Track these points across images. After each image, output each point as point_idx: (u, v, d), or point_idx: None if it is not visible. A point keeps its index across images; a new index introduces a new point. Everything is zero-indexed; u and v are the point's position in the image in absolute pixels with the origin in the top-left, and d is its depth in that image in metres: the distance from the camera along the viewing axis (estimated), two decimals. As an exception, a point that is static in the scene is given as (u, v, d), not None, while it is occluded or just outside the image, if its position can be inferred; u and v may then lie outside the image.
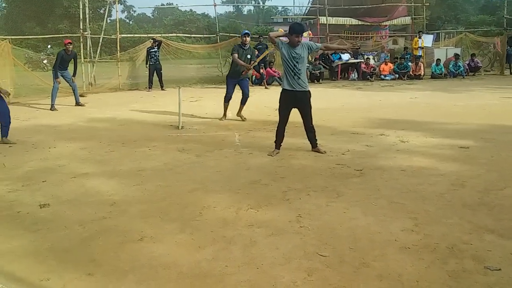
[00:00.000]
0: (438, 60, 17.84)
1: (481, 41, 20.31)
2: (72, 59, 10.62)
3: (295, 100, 5.64)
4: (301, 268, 2.80)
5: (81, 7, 15.05)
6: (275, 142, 5.82)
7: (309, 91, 5.68)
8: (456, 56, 17.87)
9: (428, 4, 22.26)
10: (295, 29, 5.42)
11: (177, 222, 3.60)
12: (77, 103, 10.92)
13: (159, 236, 3.32)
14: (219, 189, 4.44)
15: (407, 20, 21.76)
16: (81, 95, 11.92)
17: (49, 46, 26.47)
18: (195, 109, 9.95)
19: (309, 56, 17.31)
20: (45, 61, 22.35)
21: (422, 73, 17.35)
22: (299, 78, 5.53)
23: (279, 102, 5.76)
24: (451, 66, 17.63)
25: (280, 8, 67.89)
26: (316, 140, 5.86)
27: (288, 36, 5.51)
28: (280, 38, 5.70)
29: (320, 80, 16.77)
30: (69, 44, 10.40)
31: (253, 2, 75.99)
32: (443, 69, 17.67)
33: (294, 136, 6.23)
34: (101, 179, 4.82)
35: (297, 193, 4.25)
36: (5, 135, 6.63)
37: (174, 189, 4.46)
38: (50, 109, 10.13)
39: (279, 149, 5.81)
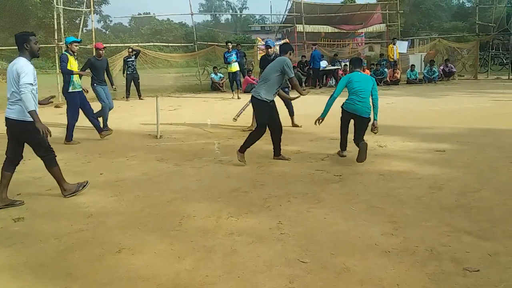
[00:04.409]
0: (413, 66, 18.20)
1: (454, 47, 20.80)
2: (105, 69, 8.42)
3: (272, 109, 5.82)
4: (283, 275, 2.78)
5: (55, 17, 14.84)
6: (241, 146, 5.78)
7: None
8: (431, 62, 18.22)
9: (402, 11, 22.83)
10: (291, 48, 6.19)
11: (156, 232, 3.54)
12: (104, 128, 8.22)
13: (137, 248, 3.26)
14: (198, 198, 4.39)
15: (382, 27, 22.19)
16: (57, 106, 11.68)
17: (23, 57, 25.95)
18: (174, 118, 9.87)
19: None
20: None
21: (399, 77, 17.70)
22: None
23: (261, 112, 5.75)
24: (425, 71, 17.99)
25: (257, 17, 68.17)
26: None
27: (289, 54, 5.89)
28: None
29: (303, 85, 16.94)
30: (99, 50, 8.24)
31: (230, 10, 76.28)
32: (417, 75, 18.04)
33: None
34: (77, 190, 4.71)
35: (277, 200, 4.23)
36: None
37: (153, 199, 4.39)
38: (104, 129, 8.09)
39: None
